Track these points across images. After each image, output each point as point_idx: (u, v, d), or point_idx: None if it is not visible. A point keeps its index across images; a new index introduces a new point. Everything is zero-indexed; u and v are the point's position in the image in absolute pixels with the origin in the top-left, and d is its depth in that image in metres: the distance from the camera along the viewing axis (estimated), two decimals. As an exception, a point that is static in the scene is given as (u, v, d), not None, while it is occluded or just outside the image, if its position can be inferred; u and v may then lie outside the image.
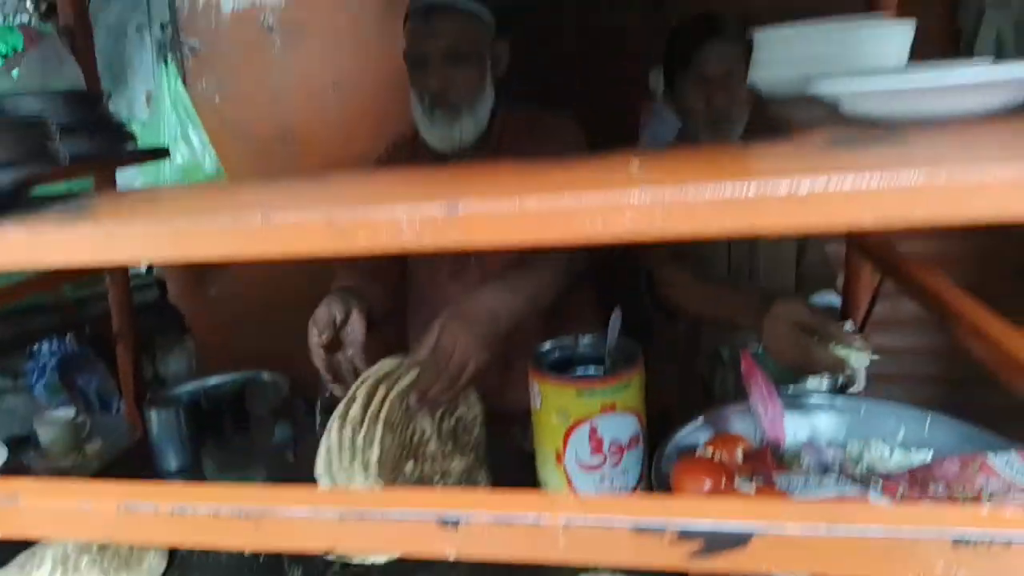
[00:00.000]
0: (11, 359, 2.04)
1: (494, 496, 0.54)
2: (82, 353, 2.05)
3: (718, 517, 0.49)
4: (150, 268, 2.54)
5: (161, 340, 2.82)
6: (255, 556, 1.11)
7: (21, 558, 1.12)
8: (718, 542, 0.49)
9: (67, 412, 1.79)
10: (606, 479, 1.10)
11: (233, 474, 1.42)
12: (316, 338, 1.29)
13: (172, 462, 1.44)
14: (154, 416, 1.42)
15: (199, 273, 2.60)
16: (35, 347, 1.96)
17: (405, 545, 0.54)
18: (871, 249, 1.22)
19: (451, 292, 1.54)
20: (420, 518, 0.53)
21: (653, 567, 0.51)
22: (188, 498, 0.57)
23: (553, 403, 1.09)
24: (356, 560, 1.03)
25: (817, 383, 1.22)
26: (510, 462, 1.28)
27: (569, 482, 1.10)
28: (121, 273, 1.64)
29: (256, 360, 1.68)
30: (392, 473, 1.06)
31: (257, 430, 1.59)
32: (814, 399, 1.17)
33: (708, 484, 0.90)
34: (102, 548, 1.09)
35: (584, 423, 1.07)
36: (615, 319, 1.14)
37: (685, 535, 0.49)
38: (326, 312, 1.32)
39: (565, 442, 1.09)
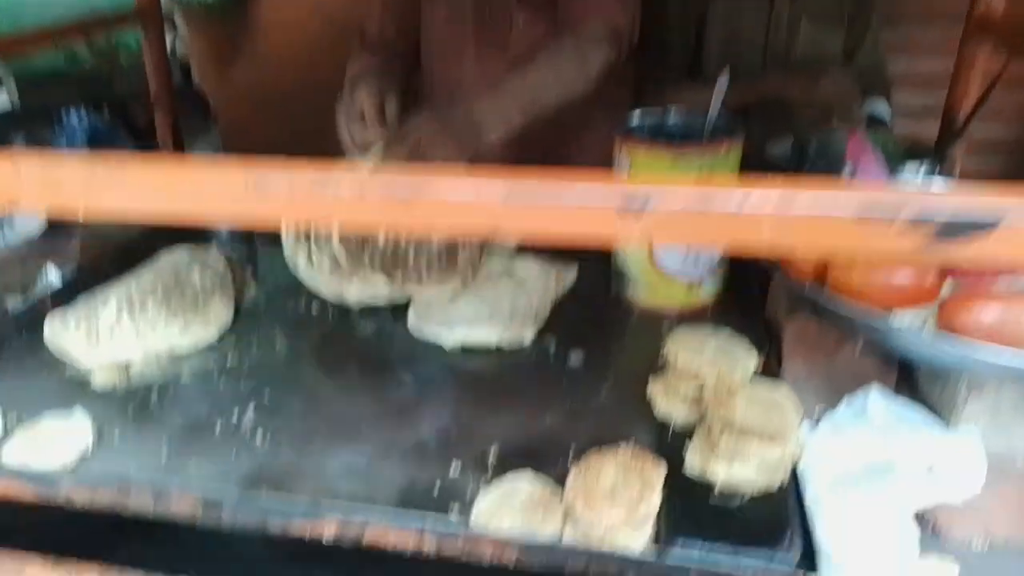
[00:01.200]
0: (37, 131, 1.94)
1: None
2: (110, 131, 1.95)
3: (955, 204, 0.43)
4: (174, 50, 2.39)
5: (185, 126, 2.72)
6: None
7: (84, 299, 1.09)
8: (955, 229, 0.43)
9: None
10: (691, 256, 1.05)
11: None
12: (349, 135, 1.27)
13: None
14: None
15: (223, 55, 2.44)
16: (62, 117, 1.85)
17: (580, 226, 0.48)
18: (996, 25, 1.10)
19: (469, 78, 1.46)
20: (600, 200, 0.46)
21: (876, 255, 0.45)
22: (329, 178, 0.50)
23: (644, 173, 1.01)
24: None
25: (915, 168, 1.15)
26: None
27: (653, 255, 1.06)
28: (156, 31, 1.51)
29: (280, 147, 1.59)
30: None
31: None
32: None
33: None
34: (167, 291, 1.05)
35: (679, 191, 1.01)
36: (722, 81, 1.04)
37: (921, 221, 0.43)
38: (363, 101, 1.28)
39: (656, 211, 1.03)
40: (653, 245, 1.05)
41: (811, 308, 0.92)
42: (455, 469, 0.77)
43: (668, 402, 0.78)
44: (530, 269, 1.16)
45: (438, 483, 0.75)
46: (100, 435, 0.83)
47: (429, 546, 0.66)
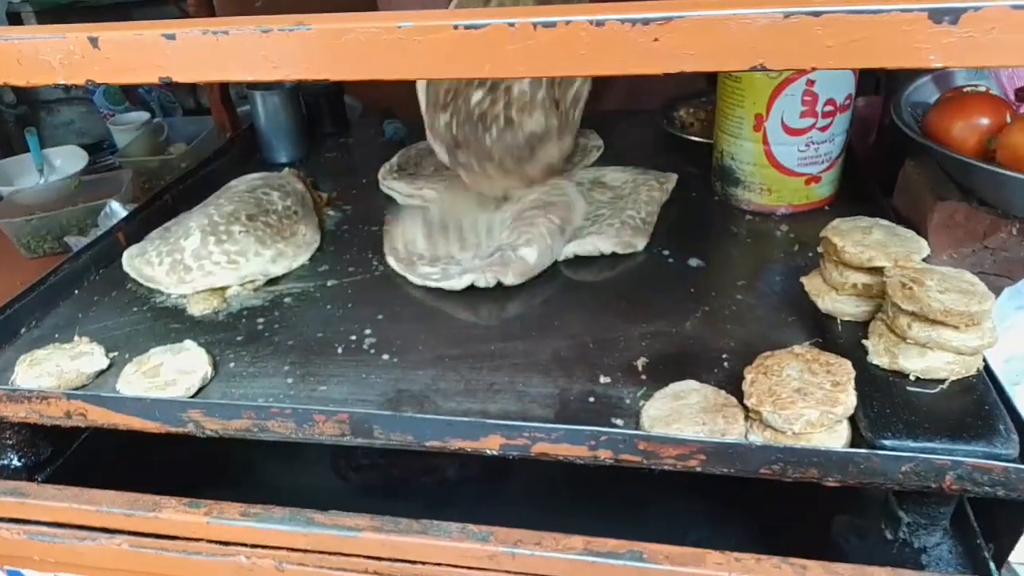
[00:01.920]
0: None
1: None
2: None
3: None
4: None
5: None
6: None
7: (159, 232, 1.03)
8: None
9: (140, 115, 1.64)
10: (811, 146, 0.97)
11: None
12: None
13: (281, 153, 1.31)
14: (260, 100, 1.27)
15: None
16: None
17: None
18: None
19: None
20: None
21: None
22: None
23: None
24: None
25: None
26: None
27: (768, 151, 0.98)
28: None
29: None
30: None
31: (361, 127, 1.46)
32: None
33: (986, 120, 0.78)
34: (252, 217, 0.99)
35: (800, 77, 0.93)
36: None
37: None
38: None
39: (771, 102, 0.95)
40: (770, 141, 0.97)
41: (961, 190, 0.85)
42: (604, 381, 0.72)
43: (833, 296, 0.72)
44: (622, 178, 1.09)
45: (590, 396, 0.70)
46: (215, 364, 0.78)
47: (607, 454, 0.61)
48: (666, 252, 0.94)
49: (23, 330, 0.87)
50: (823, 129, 0.96)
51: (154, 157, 1.48)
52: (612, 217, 0.97)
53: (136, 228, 1.05)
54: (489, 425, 0.63)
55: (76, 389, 0.75)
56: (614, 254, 0.93)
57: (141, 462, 0.91)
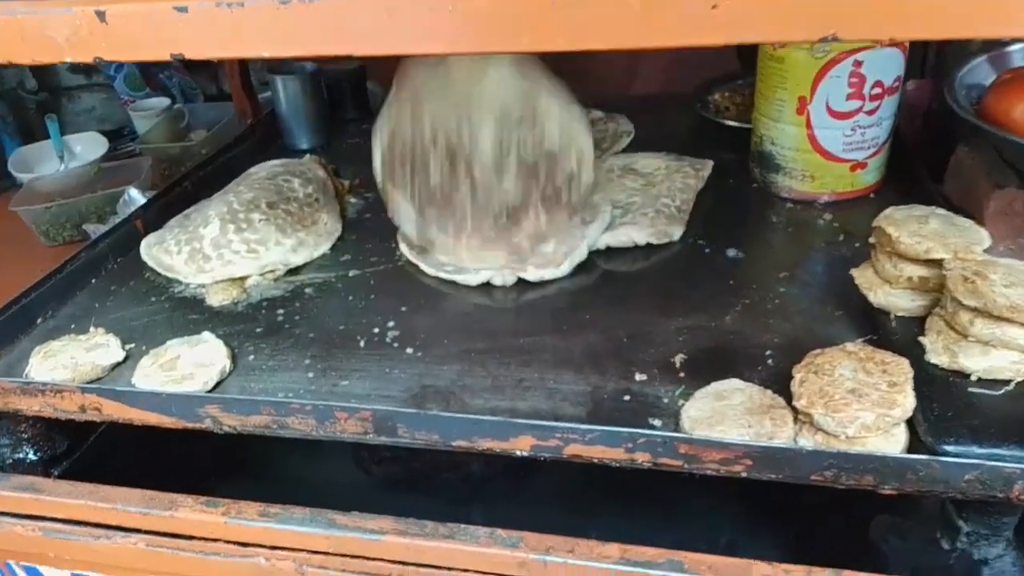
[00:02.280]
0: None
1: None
2: (157, 45, 1.83)
3: None
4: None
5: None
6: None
7: (178, 220, 1.01)
8: None
9: (161, 101, 1.62)
10: (857, 130, 0.92)
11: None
12: None
13: (302, 139, 1.28)
14: (280, 84, 1.24)
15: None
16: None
17: None
18: None
19: None
20: None
21: None
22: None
23: (807, 33, 0.88)
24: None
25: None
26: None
27: (811, 135, 0.93)
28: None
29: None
30: None
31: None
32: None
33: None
34: (272, 205, 0.96)
35: (847, 57, 0.88)
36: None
37: None
38: None
39: (816, 83, 0.90)
40: (813, 125, 0.93)
41: (1020, 177, 0.80)
42: (640, 378, 0.68)
43: (887, 289, 0.68)
44: (654, 164, 1.04)
45: (625, 395, 0.66)
46: (234, 357, 0.75)
47: (644, 458, 0.58)
48: (702, 242, 0.90)
49: (39, 320, 0.85)
50: (870, 113, 0.91)
51: (174, 143, 1.46)
52: (646, 206, 0.93)
53: (155, 216, 1.03)
54: (519, 425, 0.60)
55: (91, 382, 0.73)
56: (648, 244, 0.89)
57: (159, 454, 0.89)
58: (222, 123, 1.46)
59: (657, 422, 0.62)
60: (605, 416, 0.63)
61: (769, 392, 0.62)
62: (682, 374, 0.68)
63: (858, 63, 0.88)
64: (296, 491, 0.73)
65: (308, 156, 1.11)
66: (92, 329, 0.79)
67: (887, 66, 0.89)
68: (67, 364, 0.73)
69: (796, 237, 0.91)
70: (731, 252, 0.87)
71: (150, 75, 1.79)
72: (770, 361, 0.69)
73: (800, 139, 0.94)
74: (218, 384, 0.71)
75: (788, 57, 0.91)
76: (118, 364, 0.75)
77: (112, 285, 0.91)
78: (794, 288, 0.79)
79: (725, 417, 0.59)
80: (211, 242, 0.91)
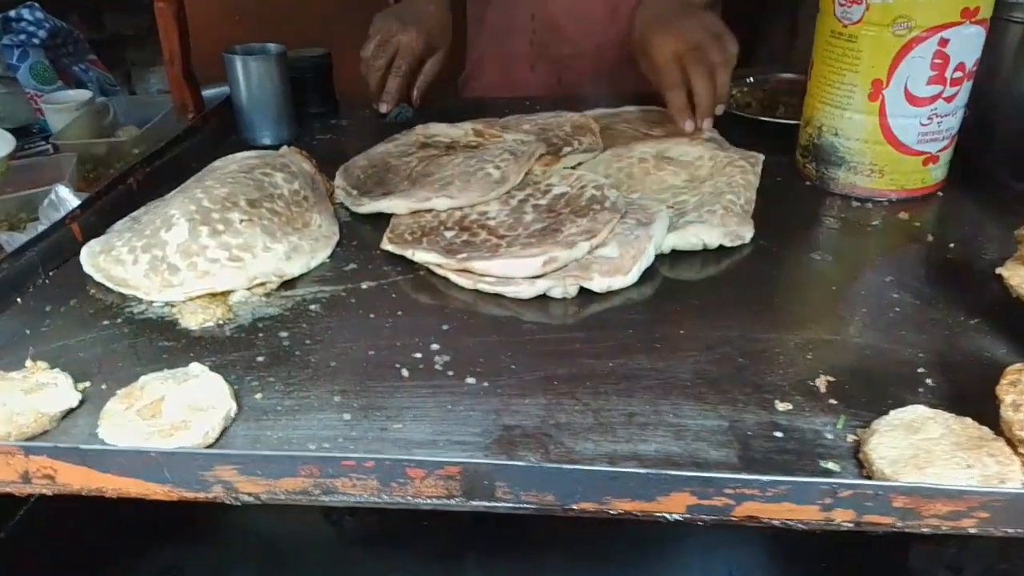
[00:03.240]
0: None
1: None
2: (69, 33, 1.58)
3: None
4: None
5: (139, 56, 2.32)
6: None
7: (126, 223, 0.80)
8: None
9: (80, 93, 1.38)
10: (935, 119, 0.82)
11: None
12: (372, 61, 1.15)
13: (264, 133, 1.08)
14: (240, 66, 1.04)
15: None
16: (10, 15, 1.47)
17: None
18: None
19: None
20: None
21: None
22: None
23: (890, 8, 0.78)
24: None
25: None
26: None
27: (885, 124, 0.83)
28: None
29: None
30: None
31: (350, 107, 1.24)
32: None
33: None
34: (253, 203, 0.77)
35: (933, 35, 0.78)
36: None
37: None
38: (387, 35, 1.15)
39: (895, 64, 0.80)
40: (888, 113, 0.82)
41: None
42: (782, 407, 0.53)
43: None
44: (693, 153, 0.91)
45: (774, 430, 0.52)
46: (236, 395, 0.56)
47: (846, 516, 0.43)
48: (772, 245, 0.77)
49: (-55, 354, 0.63)
50: (949, 99, 0.82)
51: (99, 140, 1.23)
52: (708, 203, 0.80)
53: (95, 219, 0.82)
54: (673, 479, 0.44)
55: (34, 438, 0.52)
56: (720, 247, 0.76)
57: (98, 514, 0.68)
58: (159, 117, 1.24)
59: (832, 465, 0.48)
60: (762, 460, 0.49)
61: (969, 420, 0.49)
62: (832, 401, 0.54)
63: (944, 41, 0.78)
64: (257, 549, 0.55)
65: (287, 147, 0.92)
66: (29, 363, 0.58)
67: (971, 46, 0.80)
68: (-3, 413, 0.53)
69: (881, 239, 0.79)
70: (816, 256, 0.75)
71: (62, 67, 1.54)
72: (929, 380, 0.56)
73: (871, 129, 0.84)
74: (222, 434, 0.52)
75: (862, 34, 0.81)
76: (71, 411, 0.55)
77: (47, 304, 0.70)
78: (908, 294, 0.68)
79: (933, 455, 0.46)
80: (179, 249, 0.71)
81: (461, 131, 1.00)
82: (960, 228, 0.80)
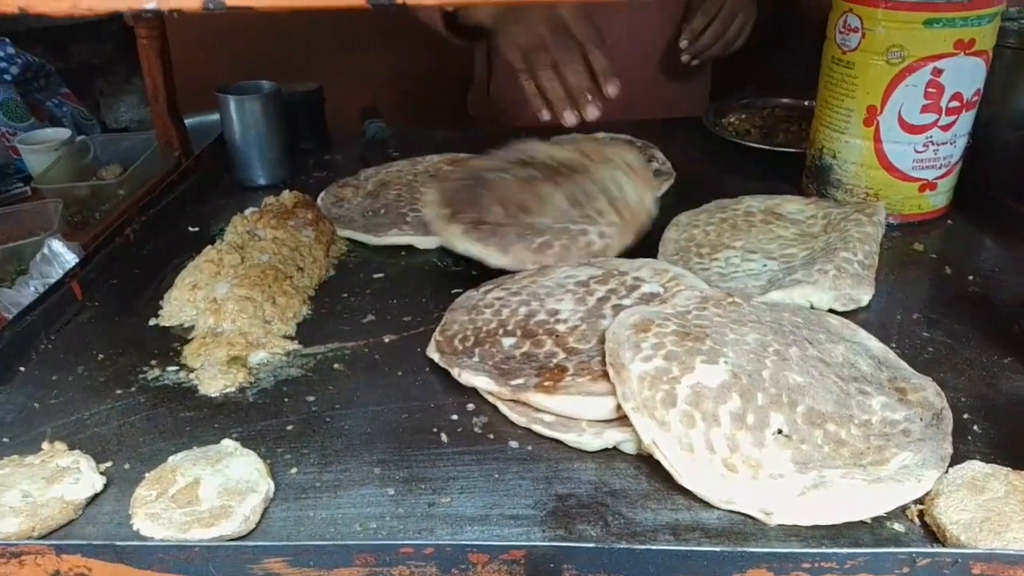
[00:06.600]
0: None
1: None
2: (41, 67, 1.53)
3: None
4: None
5: (108, 85, 2.27)
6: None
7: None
8: None
9: (59, 132, 1.34)
10: (930, 147, 0.83)
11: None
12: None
13: (259, 173, 1.06)
14: (235, 107, 1.01)
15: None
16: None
17: None
18: None
19: None
20: None
21: None
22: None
23: (883, 38, 0.78)
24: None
25: None
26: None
27: (879, 149, 0.84)
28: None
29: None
30: None
31: (338, 140, 1.22)
32: None
33: None
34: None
35: (926, 64, 0.78)
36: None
37: None
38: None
39: (888, 93, 0.80)
40: (883, 139, 0.83)
41: None
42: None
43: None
44: (802, 211, 0.85)
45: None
46: (272, 471, 0.53)
47: (925, 588, 0.42)
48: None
49: (-53, 435, 0.59)
50: (945, 128, 0.82)
51: (82, 183, 1.19)
52: (823, 262, 0.73)
53: (94, 275, 0.78)
54: (749, 555, 0.43)
55: (60, 529, 0.49)
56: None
57: None
58: (144, 156, 1.20)
59: (898, 526, 0.47)
60: (833, 528, 0.48)
61: (1028, 476, 0.48)
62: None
63: (937, 71, 0.79)
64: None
65: (287, 192, 0.90)
66: (46, 445, 0.55)
67: (968, 77, 0.81)
68: (17, 506, 0.49)
69: (899, 271, 0.79)
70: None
71: (34, 103, 1.49)
72: (975, 427, 0.56)
73: (866, 153, 0.84)
74: (263, 517, 0.50)
75: (859, 61, 0.81)
76: (95, 497, 0.52)
77: (53, 373, 0.66)
78: (938, 332, 0.68)
79: (1005, 517, 0.45)
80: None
81: (564, 152, 0.89)
82: (973, 258, 0.81)
